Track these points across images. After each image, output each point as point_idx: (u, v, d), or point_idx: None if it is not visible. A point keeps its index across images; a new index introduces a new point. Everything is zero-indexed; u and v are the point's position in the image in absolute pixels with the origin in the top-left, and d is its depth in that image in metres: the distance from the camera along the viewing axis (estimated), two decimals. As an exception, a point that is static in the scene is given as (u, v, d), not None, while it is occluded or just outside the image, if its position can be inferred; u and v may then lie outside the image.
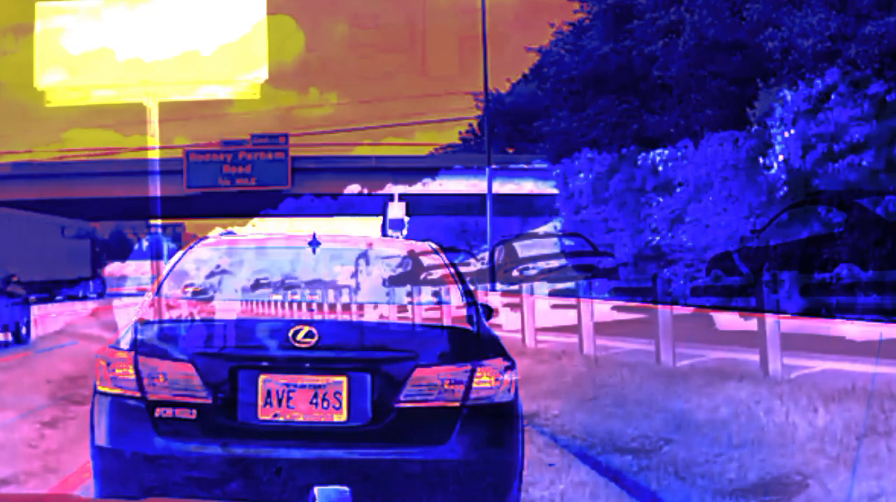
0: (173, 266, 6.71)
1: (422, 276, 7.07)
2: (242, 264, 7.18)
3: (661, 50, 35.87)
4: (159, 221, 50.81)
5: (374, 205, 43.55)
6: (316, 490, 2.80)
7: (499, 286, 25.99)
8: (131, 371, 5.54)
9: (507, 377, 5.65)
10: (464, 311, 6.29)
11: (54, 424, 10.75)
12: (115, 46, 41.84)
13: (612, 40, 38.72)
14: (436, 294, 6.83)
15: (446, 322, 6.54)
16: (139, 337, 5.69)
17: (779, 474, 7.52)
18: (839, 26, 27.79)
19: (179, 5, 42.61)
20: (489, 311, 6.73)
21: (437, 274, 6.90)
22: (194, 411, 5.46)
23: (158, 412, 5.48)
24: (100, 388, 5.66)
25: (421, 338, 5.88)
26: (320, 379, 5.50)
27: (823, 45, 27.95)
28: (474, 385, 5.54)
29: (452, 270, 6.77)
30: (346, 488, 2.82)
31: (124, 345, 5.68)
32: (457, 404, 5.51)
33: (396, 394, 5.48)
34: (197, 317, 6.22)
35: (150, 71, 41.75)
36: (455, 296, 6.50)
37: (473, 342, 5.90)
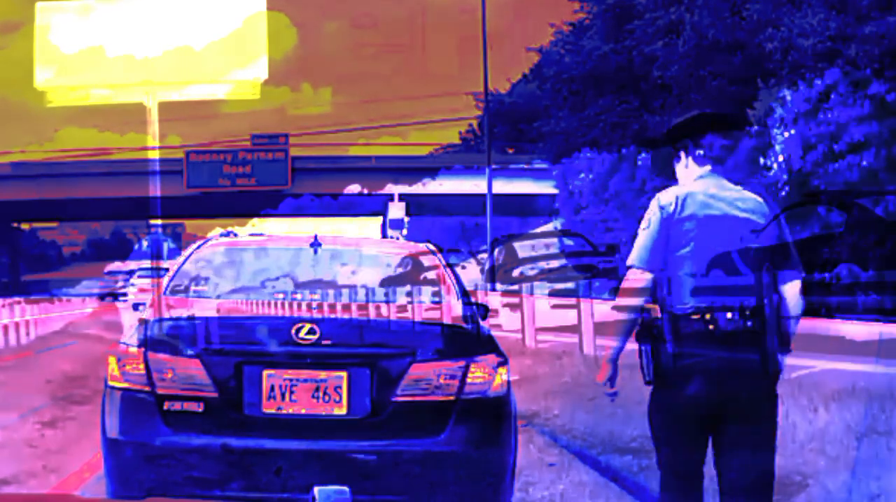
0: (180, 266, 6.93)
1: (420, 276, 7.21)
2: (246, 265, 7.34)
3: (661, 50, 35.88)
4: (159, 221, 50.82)
5: (374, 205, 43.51)
6: (316, 490, 2.79)
7: (499, 286, 25.96)
8: (141, 366, 5.70)
9: (499, 372, 5.83)
10: (459, 310, 6.51)
11: (54, 424, 10.74)
12: (116, 46, 41.82)
13: (612, 40, 38.74)
14: (433, 293, 6.98)
15: (442, 320, 6.77)
16: (148, 334, 5.87)
17: (779, 474, 7.49)
18: (839, 26, 27.80)
19: (181, 5, 42.60)
20: (485, 310, 6.93)
21: (434, 274, 7.03)
22: (201, 404, 5.63)
23: (167, 405, 5.64)
24: (111, 383, 5.84)
25: (418, 335, 6.09)
26: (321, 374, 5.67)
27: (823, 45, 27.96)
28: (468, 380, 5.72)
29: (450, 271, 6.96)
30: (345, 488, 2.82)
31: (134, 341, 5.84)
32: (451, 398, 5.69)
33: (394, 389, 5.66)
34: (203, 315, 6.34)
35: (150, 71, 41.74)
36: (451, 296, 6.69)
37: (468, 339, 6.12)
